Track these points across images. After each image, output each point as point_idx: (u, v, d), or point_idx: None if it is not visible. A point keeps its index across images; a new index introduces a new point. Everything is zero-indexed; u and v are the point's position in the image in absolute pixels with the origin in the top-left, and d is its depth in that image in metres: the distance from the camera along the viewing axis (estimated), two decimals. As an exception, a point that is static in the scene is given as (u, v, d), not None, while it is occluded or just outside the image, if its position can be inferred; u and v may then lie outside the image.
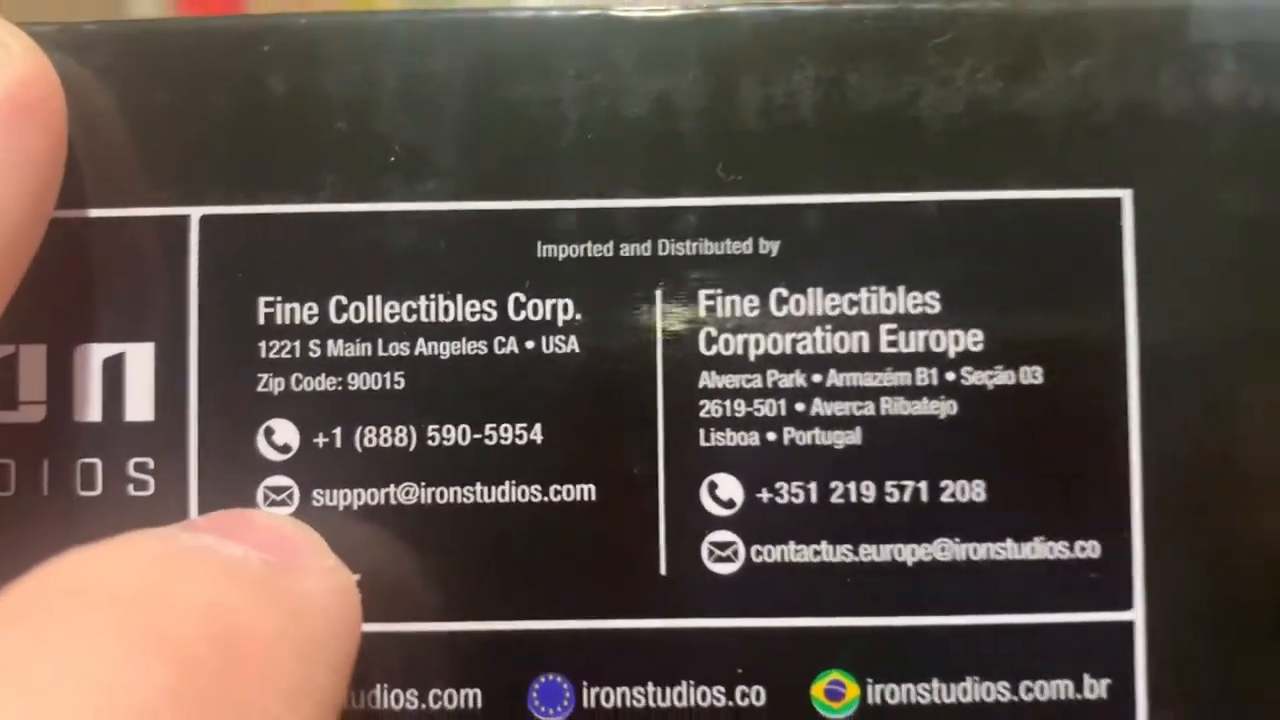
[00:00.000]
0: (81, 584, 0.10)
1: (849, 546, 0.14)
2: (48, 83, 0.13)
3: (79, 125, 0.14)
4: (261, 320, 0.14)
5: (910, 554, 0.14)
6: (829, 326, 0.14)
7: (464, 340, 0.14)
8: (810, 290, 0.14)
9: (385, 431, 0.14)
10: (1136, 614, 0.14)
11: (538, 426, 0.14)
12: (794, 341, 0.14)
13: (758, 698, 0.14)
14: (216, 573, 0.11)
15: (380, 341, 0.14)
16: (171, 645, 0.09)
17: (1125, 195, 0.14)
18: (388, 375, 0.14)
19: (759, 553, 0.14)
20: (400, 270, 0.14)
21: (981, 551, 0.14)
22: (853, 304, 0.14)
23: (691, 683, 0.14)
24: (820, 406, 0.14)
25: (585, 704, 0.14)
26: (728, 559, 0.14)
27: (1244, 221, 0.14)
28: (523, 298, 0.14)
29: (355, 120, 0.14)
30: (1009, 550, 0.14)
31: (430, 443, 0.14)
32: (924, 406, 0.14)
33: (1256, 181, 0.14)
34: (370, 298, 0.14)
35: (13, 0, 0.15)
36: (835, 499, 0.14)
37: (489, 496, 0.14)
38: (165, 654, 0.09)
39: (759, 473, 0.14)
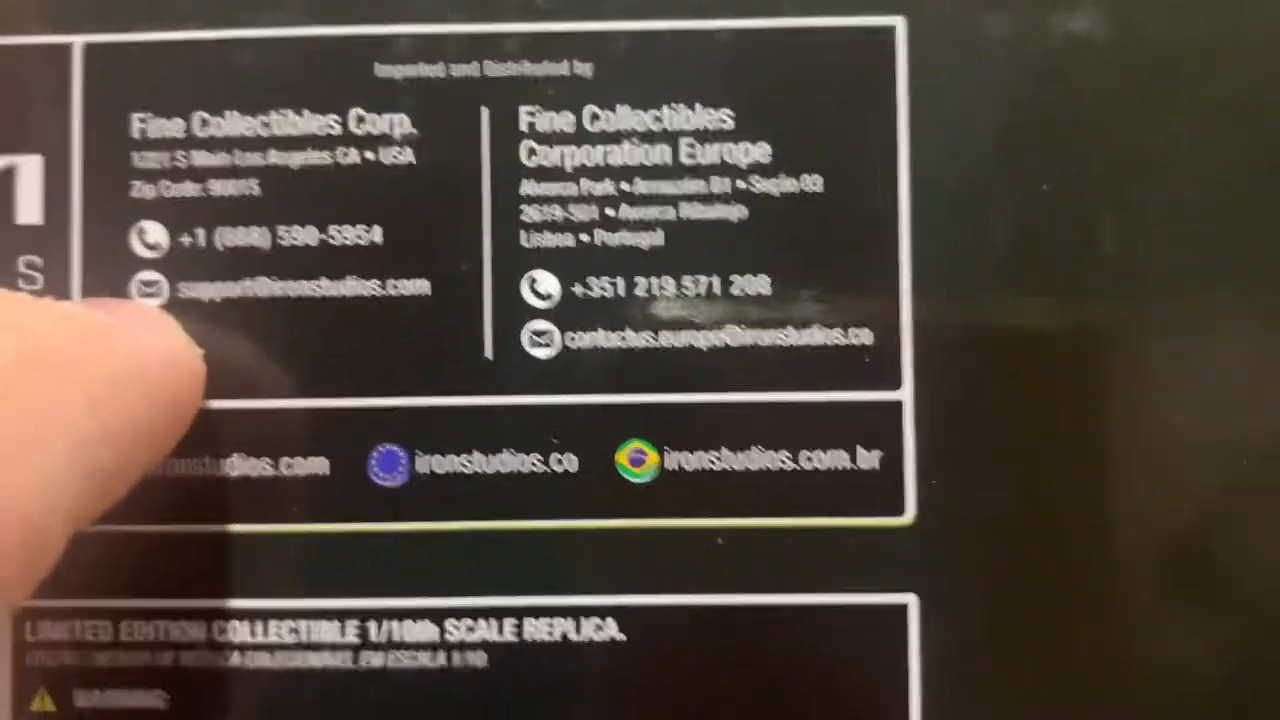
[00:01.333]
0: None
1: (650, 333, 0.16)
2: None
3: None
4: (135, 134, 0.16)
5: (704, 339, 0.16)
6: (635, 140, 0.16)
7: (310, 151, 0.16)
8: (619, 108, 0.16)
9: (242, 232, 0.16)
10: (905, 394, 0.16)
11: (377, 228, 0.16)
12: (605, 154, 0.16)
13: (570, 464, 0.16)
14: (46, 311, 0.13)
15: (237, 152, 0.16)
16: None
17: (899, 21, 0.16)
18: (244, 182, 0.16)
19: (572, 339, 0.16)
20: (254, 89, 0.16)
21: (766, 338, 0.16)
22: (656, 120, 0.16)
23: (512, 451, 0.16)
24: (627, 211, 0.16)
25: (419, 470, 0.16)
26: (545, 344, 0.16)
27: (1004, 43, 0.16)
28: (363, 113, 0.16)
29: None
30: (790, 336, 0.16)
31: (282, 242, 0.16)
32: (718, 211, 0.16)
33: (1016, 6, 0.15)
34: (228, 113, 0.16)
35: None
36: (639, 292, 0.16)
37: (334, 290, 0.16)
38: None
39: (574, 269, 0.16)
